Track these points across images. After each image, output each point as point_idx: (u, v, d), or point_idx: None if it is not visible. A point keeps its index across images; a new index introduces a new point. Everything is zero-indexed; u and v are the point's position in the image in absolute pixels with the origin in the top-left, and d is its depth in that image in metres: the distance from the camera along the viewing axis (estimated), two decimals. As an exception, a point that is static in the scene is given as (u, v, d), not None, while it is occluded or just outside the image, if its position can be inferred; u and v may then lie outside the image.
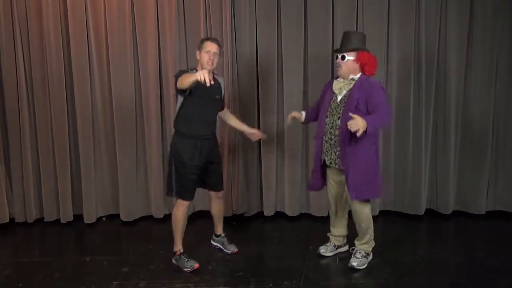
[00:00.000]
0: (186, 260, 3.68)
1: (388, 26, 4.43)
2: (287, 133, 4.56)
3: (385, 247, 3.95)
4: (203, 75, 3.02)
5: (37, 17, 4.43)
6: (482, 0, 4.38)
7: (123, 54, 4.48)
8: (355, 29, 4.39)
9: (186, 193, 3.62)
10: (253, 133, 3.92)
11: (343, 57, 3.43)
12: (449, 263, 3.70)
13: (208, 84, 3.03)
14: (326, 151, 3.52)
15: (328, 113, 3.50)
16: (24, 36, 4.46)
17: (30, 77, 4.52)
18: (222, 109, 3.82)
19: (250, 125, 4.53)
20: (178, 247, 3.71)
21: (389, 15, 4.42)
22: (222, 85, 3.73)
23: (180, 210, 3.66)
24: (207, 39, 3.58)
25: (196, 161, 3.58)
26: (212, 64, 3.50)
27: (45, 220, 4.70)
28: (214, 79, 3.55)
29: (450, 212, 4.66)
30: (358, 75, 3.46)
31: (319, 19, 4.40)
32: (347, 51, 3.42)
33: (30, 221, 4.68)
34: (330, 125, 3.48)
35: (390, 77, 4.52)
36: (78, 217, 4.69)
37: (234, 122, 3.94)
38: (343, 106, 3.42)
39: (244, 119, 4.53)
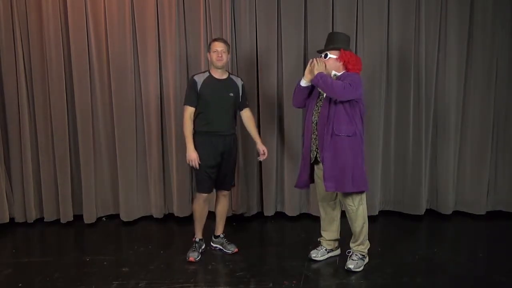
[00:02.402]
0: (193, 249, 3.82)
1: (388, 26, 4.43)
2: (287, 133, 4.56)
3: (385, 247, 3.95)
4: (193, 162, 3.66)
5: (37, 17, 4.43)
6: (482, 0, 4.38)
7: (123, 54, 4.48)
8: (355, 29, 4.40)
9: (202, 186, 3.77)
10: (261, 150, 3.94)
11: (325, 56, 3.50)
12: (449, 263, 3.69)
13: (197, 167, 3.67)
14: (317, 148, 3.53)
15: (314, 111, 3.53)
16: (24, 36, 4.46)
17: (30, 77, 4.52)
18: (242, 108, 3.92)
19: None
20: (195, 235, 3.90)
21: (389, 15, 4.42)
22: (240, 85, 3.86)
23: (197, 202, 3.84)
24: (214, 40, 3.79)
25: (211, 157, 3.71)
26: (222, 60, 3.70)
27: (45, 220, 4.70)
28: (230, 79, 3.81)
29: (450, 212, 4.66)
30: (341, 73, 3.49)
31: (319, 19, 4.40)
32: (330, 49, 3.49)
33: (30, 221, 4.68)
34: (315, 122, 3.50)
35: (390, 77, 4.52)
36: (78, 217, 4.69)
37: (249, 126, 3.97)
38: (323, 100, 3.47)
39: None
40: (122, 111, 4.55)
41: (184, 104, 3.76)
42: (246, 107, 3.95)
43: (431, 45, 4.44)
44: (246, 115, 3.95)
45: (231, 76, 3.86)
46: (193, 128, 3.74)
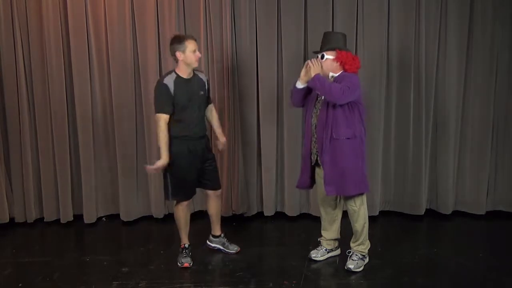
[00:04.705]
0: (184, 255, 3.74)
1: (388, 26, 4.43)
2: (287, 133, 4.56)
3: (385, 247, 3.95)
4: (158, 170, 3.55)
5: (37, 17, 4.43)
6: (482, 0, 4.38)
7: (123, 54, 4.48)
8: (355, 29, 4.40)
9: (184, 194, 3.66)
10: (220, 141, 3.89)
11: (322, 56, 3.47)
12: (449, 263, 3.70)
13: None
14: (317, 152, 3.53)
15: (313, 113, 3.52)
16: (24, 36, 4.46)
17: (30, 77, 4.52)
18: (207, 104, 3.79)
19: (250, 124, 4.58)
20: (182, 241, 3.80)
21: (389, 15, 4.41)
22: (205, 81, 3.72)
23: (180, 209, 3.72)
24: (184, 37, 3.55)
25: (193, 163, 3.62)
26: (199, 60, 3.57)
27: (45, 220, 4.70)
28: (196, 76, 3.64)
29: (450, 212, 4.65)
30: (339, 73, 3.47)
31: (319, 19, 4.39)
32: (326, 50, 3.46)
33: (30, 221, 4.68)
34: (315, 125, 3.50)
35: (391, 77, 4.52)
36: (78, 217, 4.69)
37: (213, 120, 3.86)
38: (321, 103, 3.46)
39: (243, 119, 4.57)
40: (122, 111, 4.55)
41: (157, 113, 3.50)
42: (210, 103, 3.82)
43: (431, 45, 4.44)
44: (211, 110, 3.83)
45: (196, 72, 3.65)
46: (169, 134, 3.56)
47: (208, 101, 3.79)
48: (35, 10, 4.42)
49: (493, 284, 3.37)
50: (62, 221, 4.66)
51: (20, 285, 3.47)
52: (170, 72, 3.59)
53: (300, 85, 3.52)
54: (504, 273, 3.50)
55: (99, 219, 4.76)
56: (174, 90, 3.49)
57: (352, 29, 4.39)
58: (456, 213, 4.68)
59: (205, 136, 3.76)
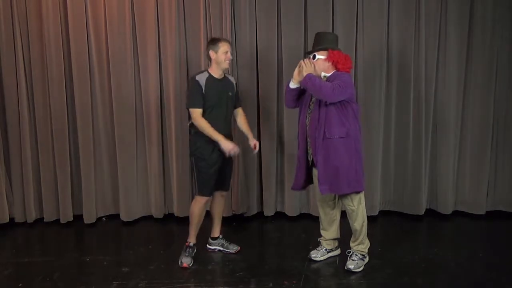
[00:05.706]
0: (187, 254, 3.76)
1: (388, 26, 4.43)
2: (287, 132, 4.56)
3: (385, 247, 3.95)
4: (232, 151, 3.59)
5: (37, 17, 4.43)
6: (482, 0, 4.38)
7: (123, 54, 4.48)
8: (355, 29, 4.40)
9: (205, 190, 3.72)
10: (253, 144, 3.91)
11: (314, 57, 3.48)
12: (449, 263, 3.70)
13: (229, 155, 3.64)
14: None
15: (307, 114, 3.53)
16: (24, 36, 4.46)
17: (30, 77, 4.52)
18: (236, 107, 3.90)
19: (250, 124, 4.56)
20: (190, 239, 3.83)
21: (389, 15, 4.42)
22: (234, 83, 3.87)
23: (198, 206, 3.77)
24: (219, 39, 3.73)
25: (219, 160, 3.70)
26: (230, 62, 3.73)
27: (45, 220, 4.70)
28: (226, 78, 3.79)
29: (450, 212, 4.65)
30: (331, 73, 3.48)
31: (319, 19, 4.40)
32: (317, 50, 3.48)
33: (30, 221, 4.68)
34: (309, 125, 3.50)
35: (390, 76, 4.52)
36: (78, 217, 4.69)
37: (244, 123, 3.94)
38: (314, 103, 3.48)
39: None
40: (122, 111, 4.55)
41: (190, 107, 3.62)
42: (240, 106, 3.94)
43: (431, 45, 4.44)
44: (240, 113, 3.93)
45: (226, 75, 3.82)
46: (196, 130, 3.66)
47: (236, 103, 3.88)
48: (35, 10, 4.42)
49: (493, 284, 3.37)
50: (62, 221, 4.66)
51: (20, 285, 3.47)
52: (202, 71, 3.75)
53: (293, 85, 3.56)
54: (504, 273, 3.50)
55: (99, 219, 4.76)
56: (205, 88, 3.63)
57: (352, 29, 4.39)
58: (456, 213, 4.68)
59: (230, 136, 3.83)
